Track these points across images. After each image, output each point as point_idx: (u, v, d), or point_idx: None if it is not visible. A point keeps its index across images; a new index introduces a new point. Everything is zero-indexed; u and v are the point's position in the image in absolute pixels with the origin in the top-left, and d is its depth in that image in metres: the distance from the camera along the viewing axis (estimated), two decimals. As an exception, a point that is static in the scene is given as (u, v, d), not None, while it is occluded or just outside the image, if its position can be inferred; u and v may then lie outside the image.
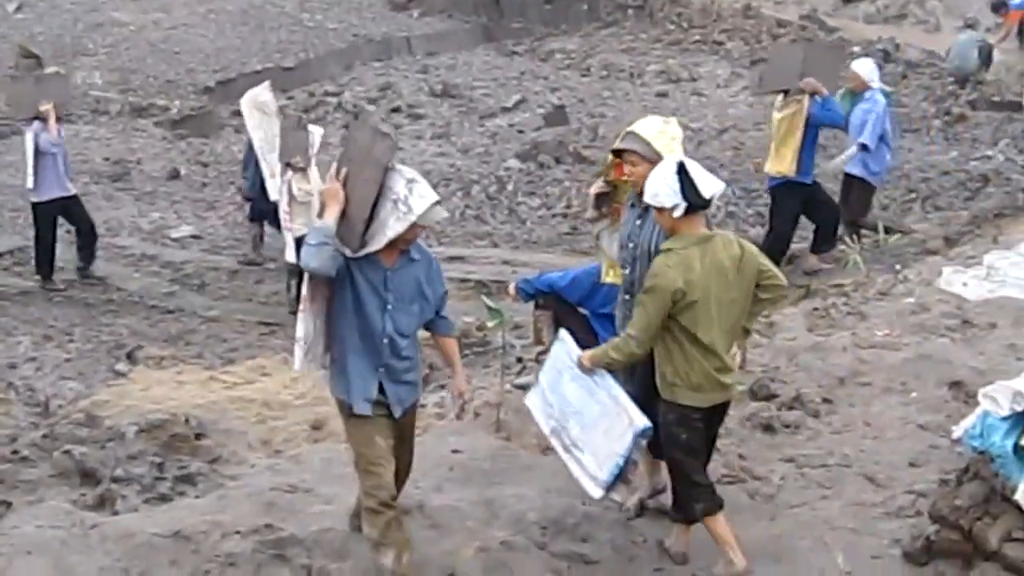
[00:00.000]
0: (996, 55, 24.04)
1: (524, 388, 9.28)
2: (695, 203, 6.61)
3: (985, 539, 5.97)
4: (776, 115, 13.38)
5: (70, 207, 15.35)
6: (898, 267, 12.35)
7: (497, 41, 30.52)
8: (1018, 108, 21.19)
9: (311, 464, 8.73)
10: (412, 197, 6.20)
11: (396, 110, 24.56)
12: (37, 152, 14.83)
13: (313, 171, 14.26)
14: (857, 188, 13.92)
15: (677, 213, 6.61)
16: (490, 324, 10.28)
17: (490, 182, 19.36)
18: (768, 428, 8.63)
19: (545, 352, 9.31)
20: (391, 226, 6.22)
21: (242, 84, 26.05)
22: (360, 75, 27.79)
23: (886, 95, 14.46)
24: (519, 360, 10.59)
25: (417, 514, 7.77)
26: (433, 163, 20.66)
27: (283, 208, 14.61)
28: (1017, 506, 5.70)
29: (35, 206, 15.27)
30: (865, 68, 14.30)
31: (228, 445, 9.29)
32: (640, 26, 29.27)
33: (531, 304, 9.53)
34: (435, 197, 6.29)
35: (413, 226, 6.24)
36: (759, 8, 29.36)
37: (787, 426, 8.65)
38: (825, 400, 9.00)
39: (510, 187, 19.25)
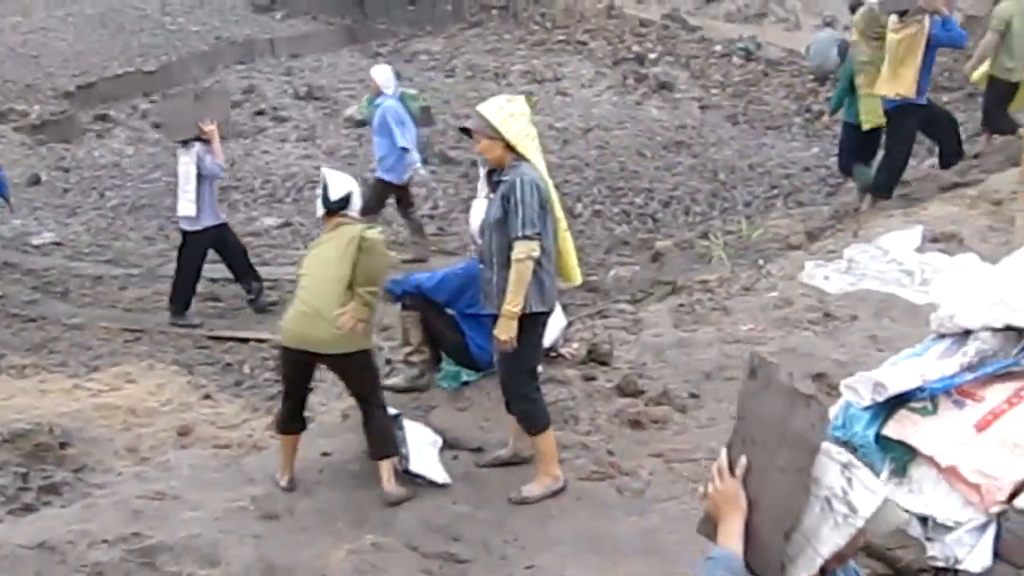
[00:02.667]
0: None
1: (393, 389, 9.30)
2: (329, 207, 8.18)
3: (849, 528, 6.03)
4: (894, 36, 13.34)
5: (224, 236, 14.25)
6: (761, 262, 12.51)
7: (361, 43, 30.48)
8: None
9: (178, 470, 8.63)
10: (853, 492, 3.68)
11: (260, 113, 24.38)
12: (199, 177, 13.60)
13: None
14: (380, 188, 14.91)
15: (319, 214, 8.36)
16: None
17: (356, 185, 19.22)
18: (636, 424, 8.67)
19: (413, 353, 9.31)
20: (825, 538, 3.68)
21: (103, 88, 25.72)
22: (223, 78, 27.56)
23: (406, 98, 15.08)
24: (388, 362, 10.55)
25: (287, 518, 7.72)
26: (298, 166, 20.54)
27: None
28: (879, 494, 5.77)
29: (189, 235, 14.01)
30: (381, 75, 14.83)
31: (94, 454, 9.15)
32: (504, 27, 29.39)
33: (399, 305, 9.49)
34: (884, 490, 3.80)
35: (858, 535, 3.66)
36: (622, 8, 29.62)
37: (655, 421, 8.70)
38: (692, 395, 9.08)
39: (376, 189, 19.19)
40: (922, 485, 5.59)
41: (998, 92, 15.07)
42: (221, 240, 14.15)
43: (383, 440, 8.14)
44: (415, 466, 8.13)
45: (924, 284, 10.42)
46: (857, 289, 10.70)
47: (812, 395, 3.58)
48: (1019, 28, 14.59)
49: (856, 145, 14.46)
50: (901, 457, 5.67)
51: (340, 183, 8.26)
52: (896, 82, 13.27)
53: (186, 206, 13.70)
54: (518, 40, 28.29)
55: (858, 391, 5.78)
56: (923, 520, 5.54)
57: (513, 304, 7.51)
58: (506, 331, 7.55)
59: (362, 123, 14.43)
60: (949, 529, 5.39)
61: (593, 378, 9.41)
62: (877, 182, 14.07)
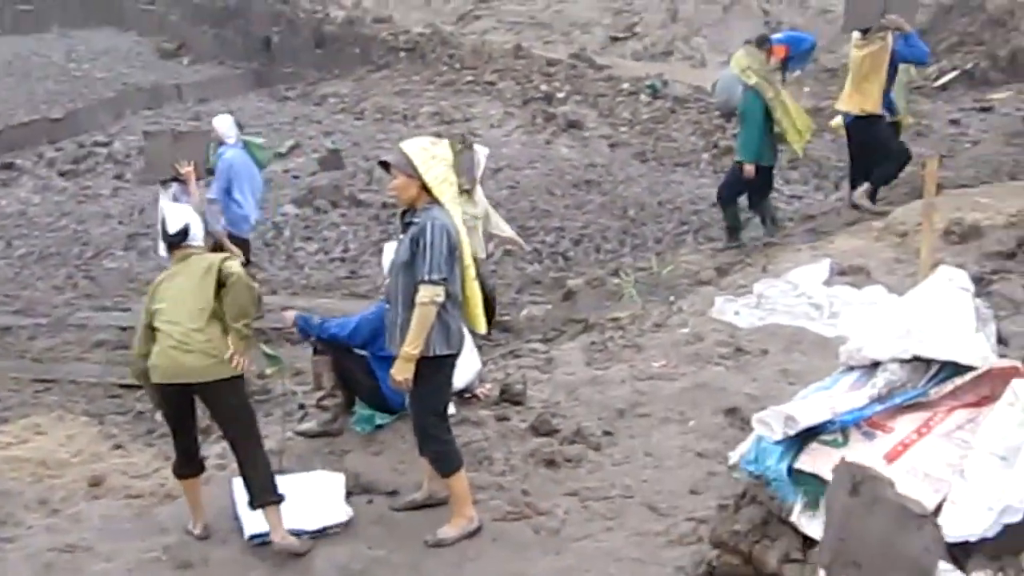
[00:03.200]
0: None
1: (306, 434, 9.24)
2: (169, 240, 8.23)
3: (764, 561, 6.06)
4: (857, 53, 13.59)
5: None
6: (672, 298, 12.57)
7: (269, 86, 30.33)
8: (783, 140, 21.80)
9: (90, 522, 8.50)
10: None
11: (168, 158, 24.15)
12: None
13: (479, 192, 13.24)
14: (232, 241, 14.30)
15: (162, 252, 8.75)
16: (269, 371, 10.12)
17: (267, 228, 19.14)
18: (551, 463, 8.67)
19: (325, 398, 9.26)
20: None
21: (9, 136, 25.39)
22: (130, 124, 27.26)
23: (251, 147, 14.93)
24: (301, 407, 10.45)
25: (201, 567, 7.63)
26: (267, 204, 20.39)
27: None
28: (794, 527, 5.80)
29: None
30: (222, 125, 14.77)
31: (3, 507, 8.96)
32: (413, 68, 29.36)
33: (310, 350, 9.46)
34: None
35: None
36: (529, 48, 29.76)
37: (569, 460, 8.71)
38: (606, 433, 9.09)
39: (287, 233, 19.11)
40: (835, 517, 5.61)
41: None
42: None
43: (264, 485, 7.99)
44: (314, 524, 8.09)
45: (833, 317, 10.54)
46: (767, 323, 10.78)
47: (925, 514, 3.25)
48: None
49: (752, 185, 14.61)
50: (814, 490, 5.69)
51: (177, 216, 8.26)
52: (860, 98, 13.63)
53: (162, 248, 13.42)
54: (426, 81, 28.28)
55: (770, 425, 5.80)
56: (837, 552, 5.56)
57: (411, 346, 7.53)
58: (402, 372, 7.56)
59: (211, 171, 14.30)
60: (863, 560, 5.41)
61: (507, 418, 9.40)
62: (877, 175, 14.43)
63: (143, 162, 14.16)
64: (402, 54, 30.00)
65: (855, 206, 14.53)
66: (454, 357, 7.86)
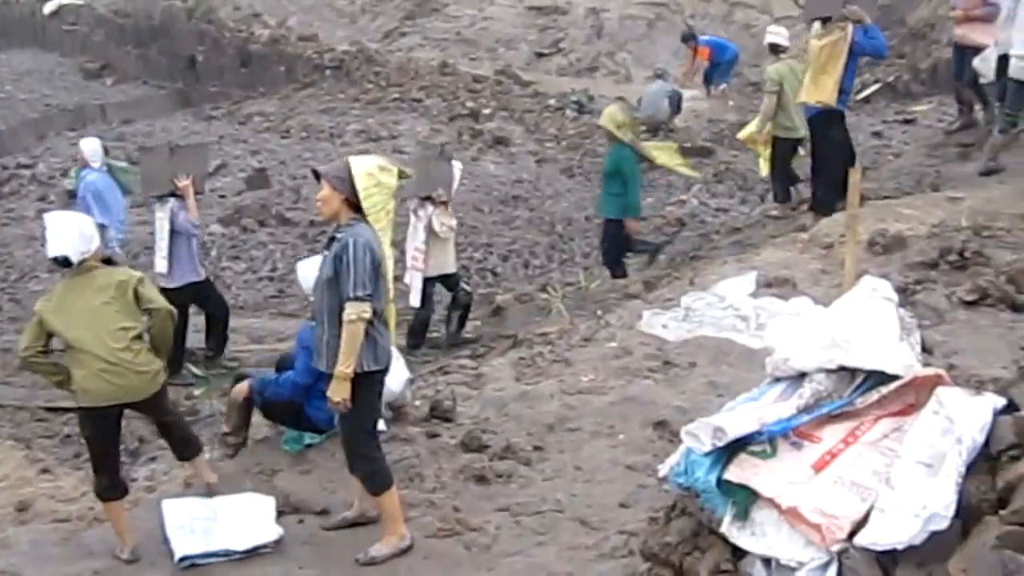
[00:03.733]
0: (685, 99, 24.98)
1: (234, 456, 9.21)
2: (55, 261, 8.12)
3: (695, 573, 6.07)
4: (816, 43, 13.56)
5: (203, 291, 13.69)
6: (600, 313, 12.60)
7: (194, 106, 30.18)
8: (708, 154, 21.97)
9: (17, 547, 8.41)
10: None
11: (93, 179, 23.93)
12: (172, 233, 13.15)
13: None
14: None
15: (160, 268, 8.98)
16: (197, 392, 10.08)
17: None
18: (481, 479, 8.67)
19: (229, 435, 9.24)
20: None
21: (-68, 161, 25.09)
22: (54, 145, 27.02)
23: (115, 171, 15.00)
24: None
25: (129, 591, 7.58)
26: (133, 232, 20.17)
27: (416, 247, 13.83)
28: (724, 538, 5.82)
29: (166, 292, 13.52)
30: (87, 148, 14.83)
31: (-70, 533, 8.86)
32: (338, 86, 29.28)
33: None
34: None
35: None
36: (455, 65, 29.79)
37: (500, 476, 8.71)
38: (536, 448, 9.11)
39: (214, 252, 18.97)
40: (764, 528, 5.63)
41: (783, 150, 15.45)
42: (201, 296, 13.71)
43: (188, 439, 8.60)
44: (244, 544, 8.05)
45: (760, 329, 10.60)
46: (695, 336, 10.83)
47: None
48: (792, 87, 15.05)
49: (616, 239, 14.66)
50: (743, 500, 5.71)
51: (69, 228, 8.12)
52: (817, 89, 13.63)
53: (159, 262, 13.34)
54: (352, 99, 28.21)
55: (698, 437, 5.82)
56: (767, 562, 5.58)
57: (344, 365, 7.52)
58: (338, 392, 7.55)
59: (73, 194, 14.20)
60: (792, 570, 5.43)
61: (437, 435, 9.40)
62: (816, 200, 14.47)
63: (140, 178, 13.93)
64: (328, 72, 29.90)
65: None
66: (382, 373, 7.86)
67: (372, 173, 7.78)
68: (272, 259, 18.47)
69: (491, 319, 14.30)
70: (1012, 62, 13.98)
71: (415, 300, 13.84)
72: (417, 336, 14.07)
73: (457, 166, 14.31)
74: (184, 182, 13.16)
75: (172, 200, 13.23)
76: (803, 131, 15.17)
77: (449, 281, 14.25)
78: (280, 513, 8.38)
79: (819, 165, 14.38)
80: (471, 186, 22.00)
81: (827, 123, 13.94)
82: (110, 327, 7.92)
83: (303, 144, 25.44)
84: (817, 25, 13.92)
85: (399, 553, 7.86)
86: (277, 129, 26.75)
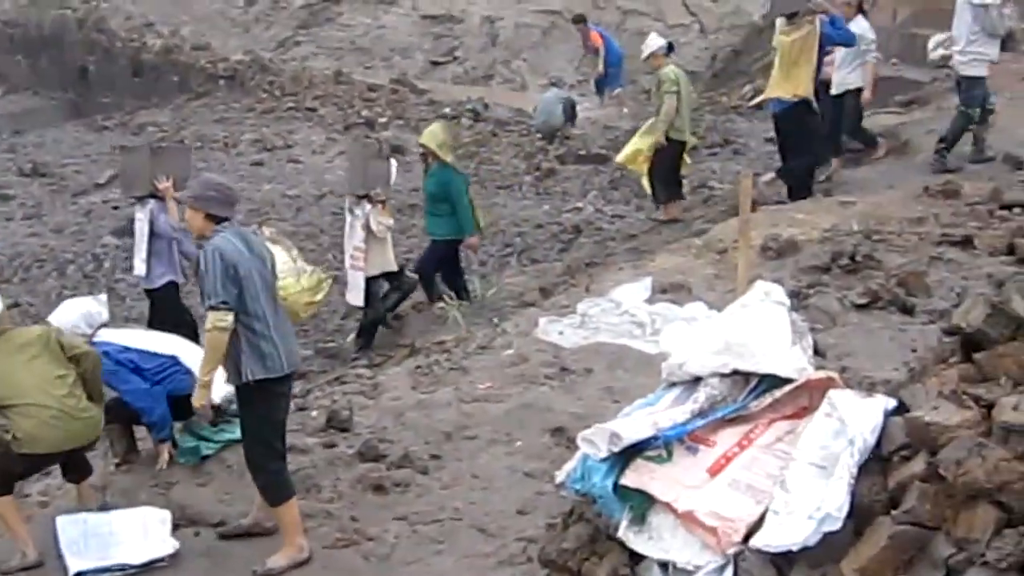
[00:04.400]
0: (580, 108, 25.10)
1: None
2: None
3: (593, 578, 6.10)
4: (785, 39, 13.73)
5: (174, 294, 13.32)
6: (497, 321, 12.60)
7: (87, 116, 29.71)
8: (603, 161, 22.05)
9: None
10: None
11: (-18, 191, 23.55)
12: (152, 235, 12.83)
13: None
14: None
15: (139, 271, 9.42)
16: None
17: (86, 261, 18.81)
18: (379, 488, 8.63)
19: (121, 464, 9.12)
20: None
21: None
22: (-57, 156, 26.54)
23: None
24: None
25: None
26: (25, 244, 19.88)
27: (355, 246, 13.70)
28: (621, 543, 5.83)
29: (150, 294, 13.27)
30: None
31: None
32: (232, 96, 29.03)
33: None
34: None
35: None
36: (350, 74, 29.65)
37: (397, 485, 8.68)
38: (433, 456, 9.08)
39: (107, 264, 18.75)
40: (661, 532, 5.66)
41: (672, 152, 15.58)
42: (179, 298, 13.48)
43: (84, 463, 8.72)
44: (140, 558, 7.97)
45: (655, 334, 10.65)
46: (591, 342, 10.85)
47: None
48: (686, 91, 15.20)
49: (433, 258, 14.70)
50: (640, 505, 5.73)
51: None
52: (791, 83, 13.88)
53: (137, 265, 13.16)
54: (246, 109, 27.98)
55: (595, 443, 5.83)
56: (663, 566, 5.61)
57: (203, 373, 7.68)
58: (198, 399, 7.75)
59: None
60: (689, 573, 5.46)
61: (334, 444, 9.34)
62: (792, 182, 14.78)
63: (119, 178, 13.58)
64: (221, 82, 29.63)
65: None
66: (276, 382, 7.78)
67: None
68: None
69: (388, 328, 14.22)
70: (955, 58, 14.81)
71: (357, 299, 13.81)
72: (367, 336, 14.03)
73: (394, 164, 14.26)
74: (165, 184, 12.85)
75: (152, 202, 12.97)
76: (688, 136, 15.35)
77: (392, 278, 14.25)
78: (176, 526, 8.29)
79: (796, 154, 14.64)
80: (366, 194, 21.91)
81: (802, 115, 14.20)
82: (48, 377, 8.02)
83: (197, 154, 24.96)
84: (781, 21, 14.10)
85: (296, 565, 7.81)
86: (171, 139, 26.40)
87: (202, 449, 9.21)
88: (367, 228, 13.63)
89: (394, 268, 14.17)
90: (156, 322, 12.78)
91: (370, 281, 13.78)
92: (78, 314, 9.18)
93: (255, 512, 8.25)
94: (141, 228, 12.99)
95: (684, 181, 16.81)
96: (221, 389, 8.85)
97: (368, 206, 13.63)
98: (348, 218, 13.98)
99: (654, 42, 16.14)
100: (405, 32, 32.27)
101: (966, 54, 14.70)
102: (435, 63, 31.30)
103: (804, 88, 13.93)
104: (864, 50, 15.17)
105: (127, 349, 9.08)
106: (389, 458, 9.02)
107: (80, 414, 8.11)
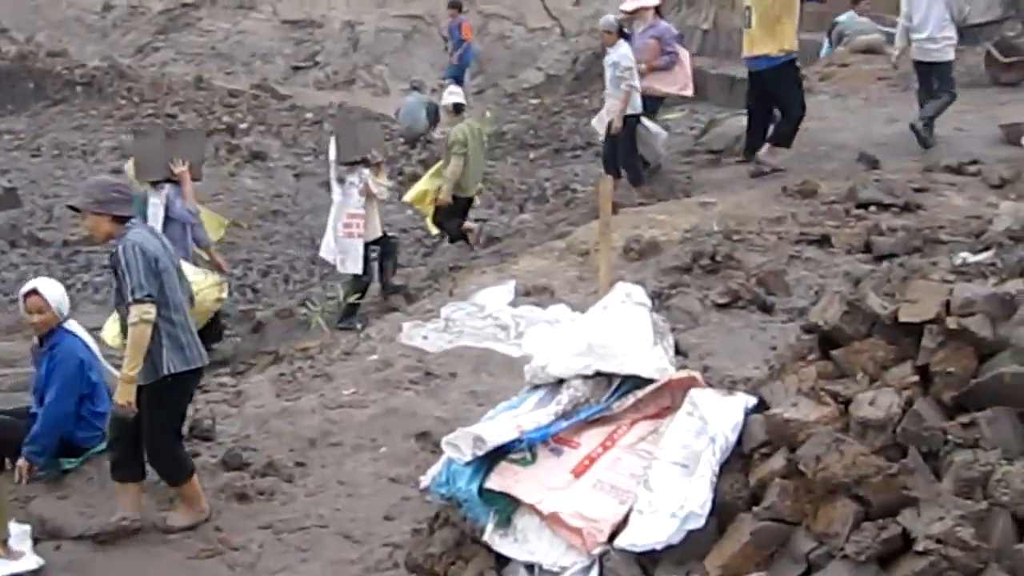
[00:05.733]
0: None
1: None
2: None
3: (460, 582, 6.10)
4: None
5: None
6: (359, 326, 12.55)
7: (-61, 124, 29.03)
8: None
9: None
10: None
11: None
12: (167, 220, 12.53)
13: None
14: None
15: None
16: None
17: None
18: (243, 497, 8.54)
19: None
20: None
21: None
22: None
23: None
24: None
25: None
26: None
27: (350, 212, 13.54)
28: (487, 547, 5.83)
29: None
30: None
31: None
32: (91, 103, 28.52)
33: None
34: None
35: None
36: (210, 80, 29.38)
37: (262, 493, 8.60)
38: (298, 464, 9.02)
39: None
40: (527, 534, 5.67)
41: (457, 207, 15.74)
42: None
43: None
44: (3, 572, 7.78)
45: (519, 337, 10.65)
46: (455, 346, 10.86)
47: None
48: (474, 149, 15.30)
49: None
50: (504, 508, 5.73)
51: None
52: (775, 40, 14.28)
53: None
54: (105, 116, 27.53)
55: (459, 447, 5.83)
56: (529, 568, 5.61)
57: (129, 368, 7.58)
58: (123, 395, 7.63)
59: None
60: (555, 575, 5.48)
61: (197, 454, 9.19)
62: (780, 133, 15.11)
63: (134, 163, 13.27)
64: (79, 88, 29.09)
65: (759, 164, 15.23)
66: (191, 375, 7.97)
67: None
68: (24, 280, 17.74)
69: (251, 335, 14.09)
70: (923, 46, 15.15)
71: (356, 267, 13.72)
72: (353, 305, 13.94)
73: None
74: (181, 168, 12.79)
75: (168, 186, 12.84)
76: (474, 191, 15.74)
77: (381, 241, 14.31)
78: (36, 540, 8.11)
79: (787, 109, 15.03)
80: (229, 201, 21.68)
81: (791, 70, 14.75)
82: None
83: (55, 162, 24.66)
84: None
85: (194, 527, 8.08)
86: (27, 147, 25.85)
87: (63, 464, 9.01)
88: (366, 193, 13.66)
89: (380, 234, 14.30)
90: None
91: (365, 247, 13.85)
92: (61, 293, 8.93)
93: (120, 512, 8.16)
94: (156, 213, 12.75)
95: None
96: None
97: (365, 171, 13.66)
98: (338, 188, 13.91)
99: (449, 97, 16.07)
100: (266, 37, 32.05)
101: (937, 41, 15.14)
102: (296, 68, 31.16)
103: (790, 43, 14.44)
104: (619, 76, 15.32)
105: (87, 347, 8.83)
106: (253, 466, 8.94)
107: None
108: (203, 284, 11.53)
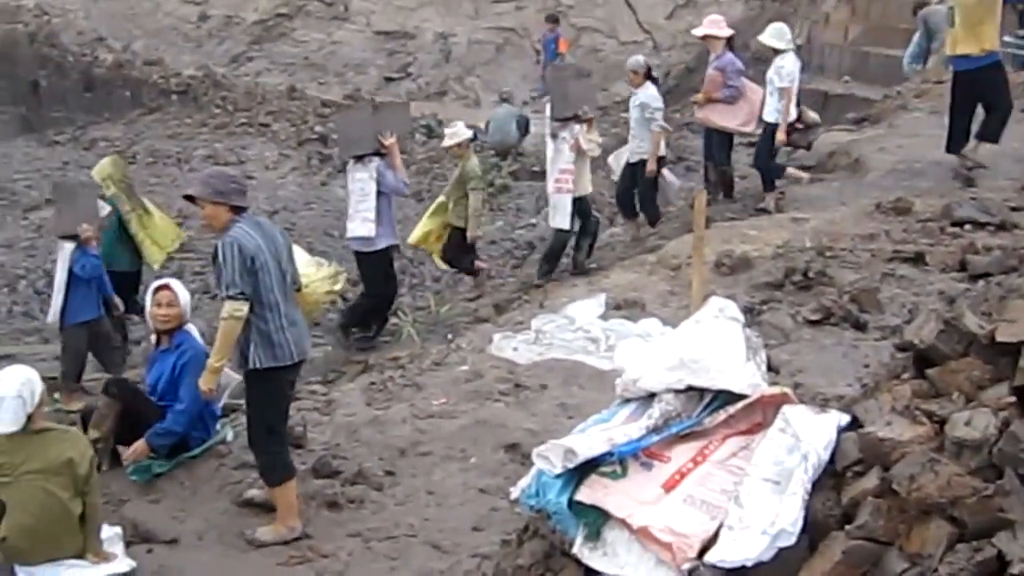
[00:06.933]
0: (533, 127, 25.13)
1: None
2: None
3: (548, 594, 6.09)
4: (968, 1, 14.23)
5: (392, 255, 13.70)
6: (450, 336, 12.59)
7: (37, 131, 29.42)
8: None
9: None
10: None
11: (-68, 205, 23.31)
12: (378, 194, 12.98)
13: None
14: None
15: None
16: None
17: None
18: (333, 505, 8.60)
19: (99, 441, 8.92)
20: None
21: None
22: None
23: None
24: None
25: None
26: None
27: (562, 168, 13.93)
28: (576, 560, 5.83)
29: (365, 256, 13.46)
30: None
31: None
32: (185, 111, 28.90)
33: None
34: None
35: None
36: (303, 90, 29.61)
37: (352, 501, 8.65)
38: (388, 473, 9.05)
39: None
40: (616, 548, 5.66)
41: (466, 242, 15.49)
42: (392, 261, 13.73)
43: None
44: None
45: (609, 350, 10.64)
46: (545, 359, 10.86)
47: None
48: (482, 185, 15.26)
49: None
50: (594, 521, 5.73)
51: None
52: (977, 40, 14.35)
53: (364, 226, 13.16)
54: (199, 124, 27.88)
55: (549, 459, 5.83)
56: (619, 582, 5.61)
57: (214, 359, 7.97)
58: (206, 382, 8.04)
59: None
60: (644, 589, 5.47)
61: (287, 462, 9.28)
62: (987, 130, 15.10)
63: (340, 138, 13.56)
64: (174, 97, 29.49)
65: (963, 159, 15.27)
66: (284, 370, 8.07)
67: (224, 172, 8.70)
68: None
69: (342, 344, 14.19)
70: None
71: (564, 222, 14.14)
72: (552, 261, 14.54)
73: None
74: (391, 140, 13.01)
75: (377, 160, 13.10)
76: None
77: (582, 204, 14.54)
78: (128, 543, 8.20)
79: (994, 106, 14.94)
80: (320, 211, 21.90)
81: (996, 69, 14.76)
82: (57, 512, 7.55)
83: (149, 169, 25.00)
84: None
85: (284, 543, 8.11)
86: (123, 155, 26.26)
87: (154, 467, 9.12)
88: (576, 149, 13.92)
89: (589, 190, 14.76)
90: (373, 281, 13.54)
91: (574, 201, 14.14)
92: (188, 294, 9.36)
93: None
94: (365, 188, 13.11)
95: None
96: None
97: (576, 127, 13.96)
98: (551, 143, 14.28)
99: (462, 132, 15.72)
100: (359, 48, 32.22)
101: None
102: (389, 79, 31.27)
103: (991, 43, 14.49)
104: (648, 118, 15.25)
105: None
106: (343, 474, 8.99)
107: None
108: (314, 276, 11.63)
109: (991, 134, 15.06)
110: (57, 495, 7.43)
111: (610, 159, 16.60)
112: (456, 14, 32.27)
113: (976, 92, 14.87)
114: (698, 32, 16.34)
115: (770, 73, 15.37)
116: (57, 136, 28.53)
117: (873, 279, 11.54)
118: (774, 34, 15.61)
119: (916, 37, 21.80)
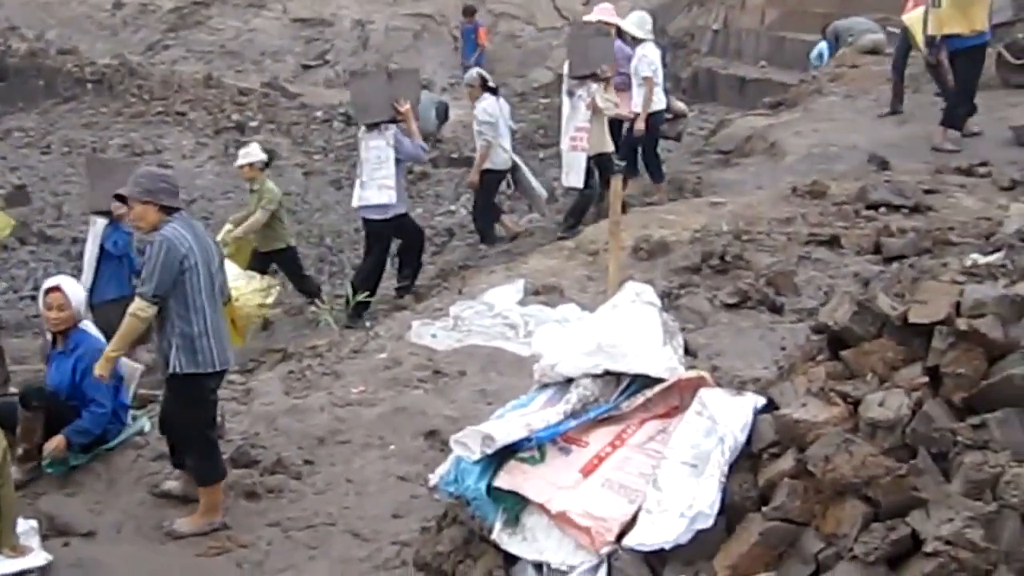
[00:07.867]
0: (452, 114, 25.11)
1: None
2: None
3: (468, 581, 6.09)
4: None
5: (405, 223, 13.63)
6: (369, 324, 12.54)
7: (-51, 122, 29.03)
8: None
9: None
10: None
11: None
12: (397, 161, 12.90)
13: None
14: None
15: None
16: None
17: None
18: (251, 495, 8.53)
19: (31, 452, 8.80)
20: None
21: None
22: None
23: None
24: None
25: None
26: None
27: (577, 126, 13.84)
28: (495, 545, 5.83)
29: (375, 224, 13.42)
30: None
31: None
32: (100, 100, 28.51)
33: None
34: None
35: None
36: (220, 78, 29.36)
37: (270, 491, 8.59)
38: (307, 461, 9.00)
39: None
40: (535, 533, 5.67)
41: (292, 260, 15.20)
42: (402, 227, 13.64)
43: None
44: (10, 569, 7.76)
45: (528, 336, 10.64)
46: (464, 345, 10.84)
47: None
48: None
49: None
50: (513, 507, 5.74)
51: None
52: (967, 20, 14.76)
53: (383, 193, 13.07)
54: (115, 113, 27.53)
55: (468, 445, 5.83)
56: (538, 567, 5.62)
57: (111, 349, 8.01)
58: (100, 368, 8.04)
59: None
60: (563, 574, 5.48)
61: (204, 451, 9.22)
62: (953, 114, 15.45)
63: (354, 105, 13.34)
64: (89, 86, 29.08)
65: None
66: (207, 377, 8.02)
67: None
68: (34, 277, 17.81)
69: (260, 333, 14.08)
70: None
71: (578, 180, 14.12)
72: (576, 215, 14.57)
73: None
74: (405, 106, 12.93)
75: (393, 127, 13.04)
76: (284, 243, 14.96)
77: (602, 159, 14.51)
78: (45, 537, 8.10)
79: (958, 88, 15.32)
80: (238, 200, 21.69)
81: (978, 52, 15.13)
82: None
83: (64, 159, 24.67)
84: None
85: (203, 533, 8.05)
86: (37, 145, 25.88)
87: (71, 460, 9.01)
88: (592, 107, 13.90)
89: (609, 148, 14.68)
90: (377, 252, 13.65)
91: (588, 160, 14.13)
92: (82, 294, 9.12)
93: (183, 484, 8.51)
94: (381, 155, 13.05)
95: None
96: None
97: (593, 85, 13.93)
98: (568, 101, 14.25)
99: (255, 152, 15.01)
100: (276, 35, 32.06)
101: None
102: (306, 66, 31.16)
103: (981, 23, 14.86)
104: (478, 131, 15.43)
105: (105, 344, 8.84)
106: (262, 464, 8.93)
107: None
108: (244, 289, 11.55)
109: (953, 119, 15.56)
110: None
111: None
112: (373, 1, 32.19)
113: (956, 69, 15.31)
114: (590, 19, 16.33)
115: (634, 63, 15.42)
116: (-31, 126, 28.10)
117: (789, 262, 11.63)
118: (636, 23, 15.76)
119: (823, 47, 22.05)
